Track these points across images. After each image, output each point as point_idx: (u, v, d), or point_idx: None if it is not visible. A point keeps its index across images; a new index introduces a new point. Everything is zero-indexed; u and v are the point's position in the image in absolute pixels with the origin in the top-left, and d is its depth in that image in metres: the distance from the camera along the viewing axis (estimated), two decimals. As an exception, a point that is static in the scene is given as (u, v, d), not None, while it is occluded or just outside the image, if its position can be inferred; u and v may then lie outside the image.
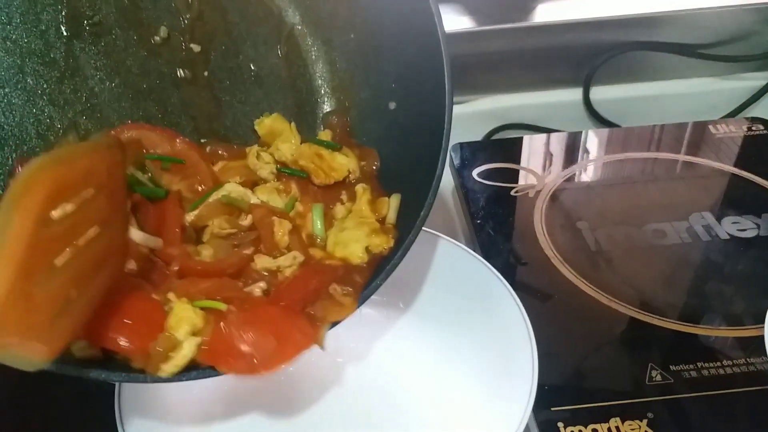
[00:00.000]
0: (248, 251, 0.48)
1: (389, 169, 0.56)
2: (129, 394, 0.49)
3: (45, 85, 0.51)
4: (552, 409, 0.49)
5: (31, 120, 0.51)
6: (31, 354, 0.32)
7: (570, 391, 0.51)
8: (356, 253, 0.48)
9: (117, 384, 0.49)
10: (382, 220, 0.52)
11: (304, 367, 0.52)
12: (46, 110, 0.51)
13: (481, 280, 0.55)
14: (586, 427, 0.48)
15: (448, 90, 0.50)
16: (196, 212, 0.50)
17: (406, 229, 0.49)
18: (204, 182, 0.52)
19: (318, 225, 0.52)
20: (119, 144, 0.42)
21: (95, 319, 0.38)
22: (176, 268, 0.45)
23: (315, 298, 0.45)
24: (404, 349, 0.57)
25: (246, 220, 0.50)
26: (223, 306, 0.43)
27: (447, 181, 0.76)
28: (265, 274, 0.47)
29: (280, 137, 0.57)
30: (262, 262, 0.47)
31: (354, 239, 0.49)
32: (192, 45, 0.56)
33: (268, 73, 0.59)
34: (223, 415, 0.52)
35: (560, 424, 0.48)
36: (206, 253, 0.48)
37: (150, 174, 0.51)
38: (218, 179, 0.53)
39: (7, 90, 0.50)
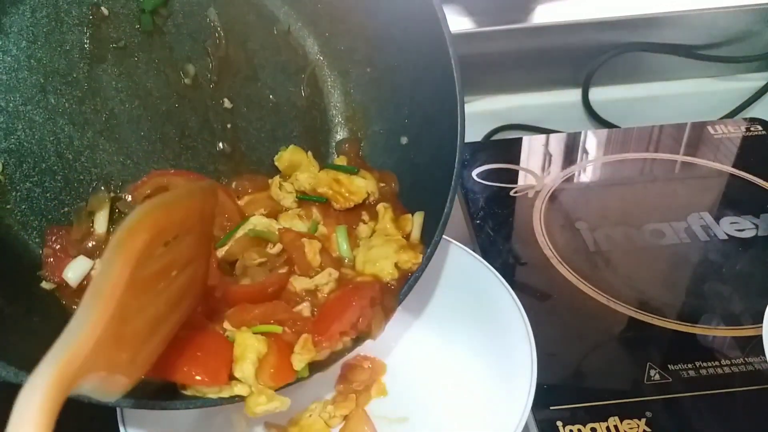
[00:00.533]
0: (283, 270, 0.49)
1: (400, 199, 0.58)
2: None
3: (66, 104, 0.51)
4: (551, 408, 0.49)
5: (51, 138, 0.51)
6: (112, 387, 0.34)
7: (569, 391, 0.51)
8: (386, 270, 0.50)
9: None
10: (406, 237, 0.53)
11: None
12: (66, 129, 0.51)
13: (481, 280, 0.56)
14: (585, 426, 0.48)
15: (460, 134, 0.51)
16: (226, 248, 0.51)
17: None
18: (231, 219, 0.54)
19: (344, 246, 0.53)
20: (214, 190, 0.44)
21: (165, 353, 0.39)
22: (219, 294, 0.47)
23: (359, 315, 0.46)
24: (403, 347, 0.57)
25: (274, 249, 0.51)
26: (278, 329, 0.45)
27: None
28: (305, 295, 0.49)
29: (300, 168, 0.58)
30: (300, 283, 0.49)
31: (383, 256, 0.50)
32: (213, 76, 0.57)
33: (284, 101, 0.60)
34: (226, 410, 0.52)
35: (559, 423, 0.48)
36: (244, 282, 0.49)
37: None
38: (244, 214, 0.55)
39: (29, 107, 0.50)
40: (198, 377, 0.41)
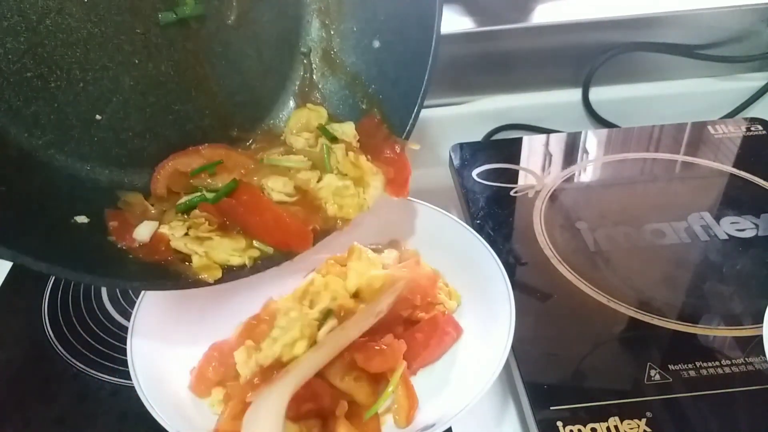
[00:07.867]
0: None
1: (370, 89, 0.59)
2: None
3: None
4: (551, 408, 0.49)
5: None
6: None
7: (569, 391, 0.51)
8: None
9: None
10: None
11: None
12: None
13: (466, 241, 0.59)
14: (585, 426, 0.48)
15: (435, 42, 0.51)
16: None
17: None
18: (244, 167, 0.57)
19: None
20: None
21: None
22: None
23: None
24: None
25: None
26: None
27: (446, 181, 0.76)
28: None
29: (309, 123, 0.61)
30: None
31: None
32: None
33: None
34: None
35: (559, 423, 0.48)
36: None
37: (204, 189, 0.55)
38: (253, 156, 0.59)
39: None
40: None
